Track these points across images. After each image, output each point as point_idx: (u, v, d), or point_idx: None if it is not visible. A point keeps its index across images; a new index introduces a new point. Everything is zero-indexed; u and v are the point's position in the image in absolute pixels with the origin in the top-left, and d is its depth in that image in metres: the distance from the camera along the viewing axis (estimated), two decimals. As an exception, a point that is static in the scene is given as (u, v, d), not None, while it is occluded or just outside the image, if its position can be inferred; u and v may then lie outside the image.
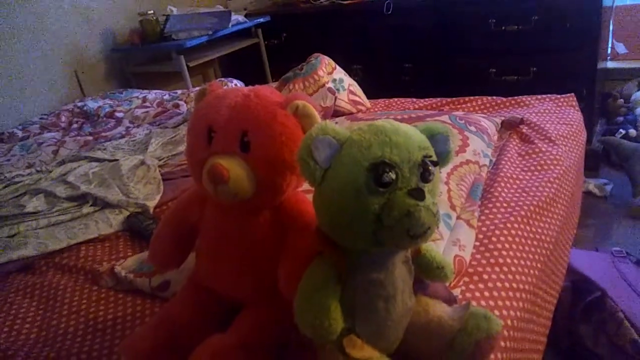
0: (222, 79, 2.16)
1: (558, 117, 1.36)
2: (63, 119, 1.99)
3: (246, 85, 0.68)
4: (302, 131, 0.63)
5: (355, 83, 1.63)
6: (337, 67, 1.61)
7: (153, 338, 0.67)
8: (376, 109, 1.59)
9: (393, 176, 0.52)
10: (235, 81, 2.10)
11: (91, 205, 1.20)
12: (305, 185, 0.61)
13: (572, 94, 1.49)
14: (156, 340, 0.67)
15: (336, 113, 1.51)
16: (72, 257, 1.04)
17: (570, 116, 1.37)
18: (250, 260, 0.69)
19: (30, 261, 1.04)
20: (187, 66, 2.38)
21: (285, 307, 0.59)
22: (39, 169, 1.47)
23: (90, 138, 1.74)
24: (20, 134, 1.87)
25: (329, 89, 1.51)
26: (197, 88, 2.17)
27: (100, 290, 0.92)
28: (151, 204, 1.17)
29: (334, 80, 1.54)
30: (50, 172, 1.42)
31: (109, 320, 0.83)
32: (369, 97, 1.64)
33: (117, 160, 1.41)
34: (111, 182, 1.28)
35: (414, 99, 1.62)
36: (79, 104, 2.09)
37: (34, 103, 2.19)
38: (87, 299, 0.90)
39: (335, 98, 1.51)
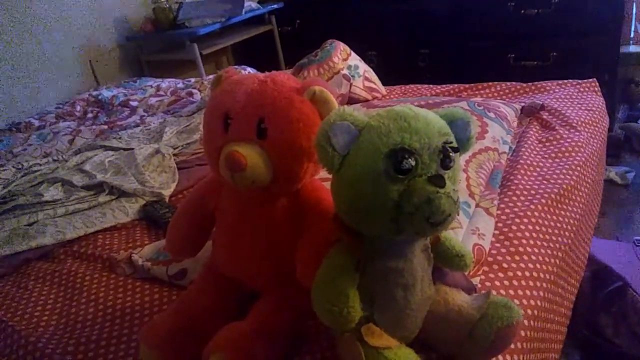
0: (236, 66, 2.15)
1: (579, 103, 1.33)
2: (78, 108, 2.00)
3: (260, 72, 0.67)
4: (320, 117, 0.62)
5: (370, 69, 1.61)
6: (352, 53, 1.59)
7: (171, 326, 0.67)
8: (392, 96, 1.57)
9: (413, 163, 0.51)
10: (248, 69, 2.08)
11: (107, 194, 1.21)
12: (323, 173, 0.60)
13: (594, 79, 1.45)
14: (174, 327, 0.67)
15: (351, 100, 1.50)
16: (90, 245, 1.05)
17: (591, 102, 1.34)
18: (268, 248, 0.68)
19: (48, 249, 1.05)
20: (201, 54, 2.37)
21: (303, 295, 0.59)
22: (55, 158, 1.48)
23: (106, 127, 1.74)
24: (37, 123, 1.89)
25: (344, 76, 1.49)
26: (211, 76, 2.16)
27: (118, 278, 0.92)
28: (167, 192, 1.18)
29: (349, 67, 1.52)
30: (67, 161, 1.43)
31: (127, 308, 0.84)
32: (384, 84, 1.62)
33: (132, 149, 1.42)
34: (127, 171, 1.29)
35: (431, 85, 1.59)
36: (94, 93, 2.10)
37: (50, 92, 2.21)
38: (105, 287, 0.90)
39: (351, 85, 1.49)
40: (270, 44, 2.87)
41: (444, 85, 1.57)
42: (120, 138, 1.55)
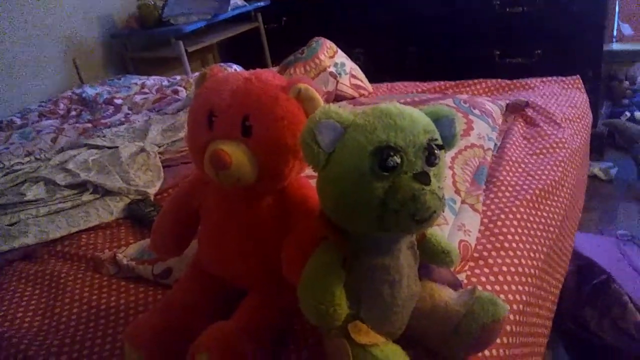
0: (222, 64, 2.13)
1: (564, 100, 1.34)
2: (61, 106, 1.97)
3: (246, 70, 0.67)
4: (305, 115, 0.61)
5: (357, 67, 1.61)
6: (339, 50, 1.58)
7: (157, 325, 0.66)
8: (379, 93, 1.58)
9: (398, 160, 0.51)
10: (234, 66, 2.07)
11: (91, 193, 1.20)
12: (309, 170, 0.60)
13: (578, 76, 1.47)
14: (160, 327, 0.66)
15: (338, 98, 1.50)
16: (74, 245, 1.04)
17: (575, 99, 1.35)
18: (253, 246, 0.68)
19: (31, 249, 1.04)
20: (186, 51, 2.35)
21: (289, 293, 0.59)
22: (38, 156, 1.46)
23: (89, 125, 1.72)
24: (19, 121, 1.86)
25: (331, 73, 1.49)
26: (197, 73, 2.15)
27: (103, 278, 0.91)
28: (152, 191, 1.17)
29: (336, 64, 1.52)
30: (50, 159, 1.41)
31: (112, 308, 0.83)
32: (371, 82, 1.62)
33: (116, 147, 1.40)
34: (111, 170, 1.27)
35: (417, 83, 1.60)
36: (77, 91, 2.07)
37: (32, 90, 2.17)
38: (90, 287, 0.89)
39: (337, 82, 1.49)
40: (256, 42, 2.86)
41: (430, 83, 1.57)
42: (104, 136, 1.53)
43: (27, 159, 1.45)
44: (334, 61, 1.53)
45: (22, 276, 0.97)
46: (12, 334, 0.80)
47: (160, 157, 1.34)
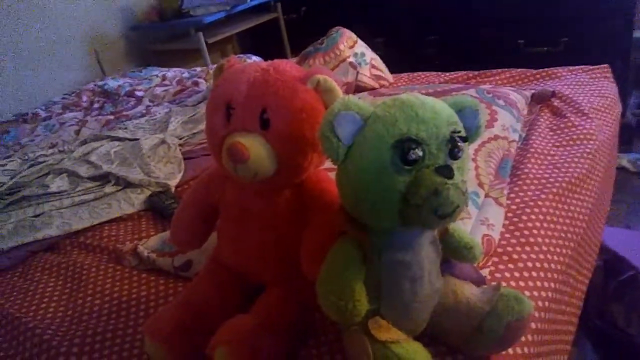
0: (241, 55, 2.13)
1: (591, 90, 1.30)
2: (84, 98, 2.00)
3: (265, 61, 0.66)
4: (324, 107, 0.60)
5: (377, 57, 1.58)
6: (359, 40, 1.56)
7: (176, 318, 0.66)
8: (399, 84, 1.55)
9: (420, 153, 0.50)
10: (253, 57, 2.06)
11: (113, 185, 1.21)
12: (328, 163, 0.58)
13: (606, 64, 1.42)
14: (179, 320, 0.66)
15: (358, 88, 1.48)
16: (96, 236, 1.05)
17: (604, 88, 1.31)
18: (272, 240, 0.67)
19: (54, 241, 1.05)
20: (206, 43, 2.36)
21: (309, 287, 0.58)
22: (61, 148, 1.48)
23: (112, 117, 1.74)
24: (43, 114, 1.89)
25: (351, 64, 1.47)
26: (216, 65, 2.15)
27: (124, 269, 0.92)
28: (172, 183, 1.17)
29: (356, 55, 1.50)
30: (73, 151, 1.43)
31: (132, 300, 0.84)
32: (391, 72, 1.59)
33: (137, 139, 1.41)
34: (132, 162, 1.28)
35: (439, 73, 1.57)
36: (100, 83, 2.09)
37: (56, 83, 2.21)
38: (111, 279, 0.90)
39: (357, 73, 1.47)
40: (275, 32, 2.85)
41: (453, 73, 1.54)
42: (126, 128, 1.55)
43: (51, 150, 1.47)
44: (354, 51, 1.50)
45: (45, 267, 0.98)
46: (36, 324, 0.81)
47: (180, 149, 1.34)
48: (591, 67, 1.42)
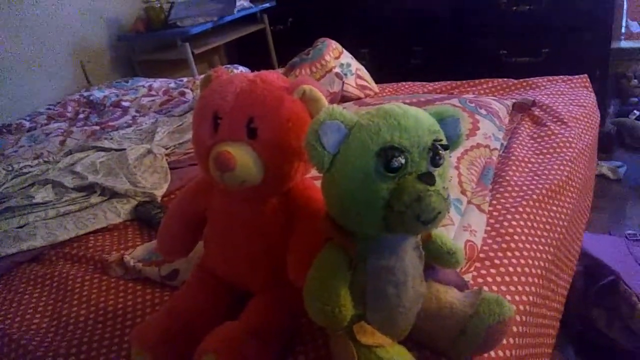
0: (228, 65, 2.14)
1: (571, 99, 1.33)
2: (69, 109, 1.99)
3: (252, 71, 0.67)
4: (310, 116, 0.61)
5: (362, 67, 1.61)
6: (345, 51, 1.58)
7: (163, 326, 0.67)
8: (384, 94, 1.57)
9: (402, 161, 0.51)
10: (240, 68, 2.08)
11: (99, 195, 1.20)
12: (314, 172, 0.60)
13: (585, 74, 1.46)
14: (166, 328, 0.66)
15: (344, 98, 1.50)
16: (82, 247, 1.04)
17: (583, 97, 1.34)
18: (259, 248, 0.68)
19: (39, 251, 1.05)
20: (193, 53, 2.36)
21: (295, 294, 0.59)
22: (46, 159, 1.47)
23: (97, 128, 1.73)
24: (27, 124, 1.87)
25: (337, 74, 1.49)
26: (203, 75, 2.15)
27: (110, 279, 0.92)
28: (159, 192, 1.17)
29: (342, 65, 1.52)
30: (58, 162, 1.42)
31: (119, 309, 0.83)
32: (377, 82, 1.62)
33: (124, 149, 1.41)
34: (118, 172, 1.28)
35: (423, 83, 1.60)
36: (85, 94, 2.08)
37: (41, 93, 2.19)
38: (97, 289, 0.90)
39: (343, 83, 1.49)
40: (262, 43, 2.87)
41: (436, 83, 1.57)
42: (112, 139, 1.54)
43: (36, 161, 1.46)
44: (340, 62, 1.53)
45: (30, 278, 0.98)
46: (21, 335, 0.80)
47: (167, 159, 1.34)
48: (570, 77, 1.45)
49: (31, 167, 1.43)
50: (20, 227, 1.13)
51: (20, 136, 1.76)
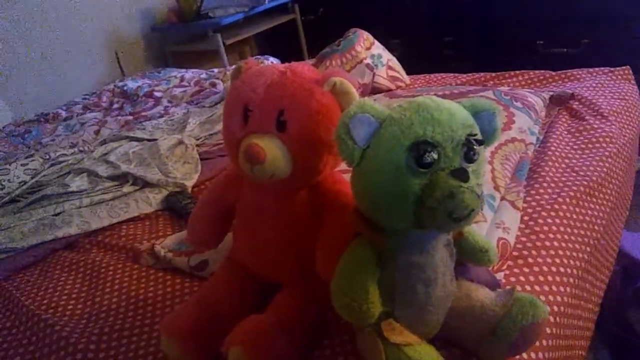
0: (258, 56, 2.14)
1: (612, 92, 1.28)
2: (104, 99, 2.03)
3: (282, 62, 0.66)
4: (340, 109, 0.60)
5: (394, 58, 1.58)
6: (376, 42, 1.56)
7: (192, 317, 0.67)
8: (416, 85, 1.55)
9: (435, 156, 0.50)
10: (271, 59, 2.08)
11: (131, 185, 1.23)
12: (343, 165, 0.59)
13: (627, 66, 1.40)
14: (195, 319, 0.67)
15: (374, 90, 1.48)
16: (114, 235, 1.07)
17: (625, 90, 1.29)
18: (287, 241, 0.68)
19: (74, 239, 1.08)
20: (224, 44, 2.38)
21: (324, 288, 0.58)
22: (81, 148, 1.51)
23: (131, 118, 1.76)
24: (64, 114, 1.92)
25: (367, 65, 1.47)
26: (234, 66, 2.16)
27: (141, 268, 0.93)
28: (189, 183, 1.18)
29: (372, 56, 1.50)
30: (93, 151, 1.45)
31: (149, 298, 0.85)
32: (408, 73, 1.59)
33: (155, 139, 1.43)
34: (150, 162, 1.30)
35: (456, 74, 1.56)
36: (119, 84, 2.12)
37: (77, 83, 2.25)
38: (129, 277, 0.91)
39: (374, 74, 1.47)
40: (293, 34, 2.86)
41: (470, 74, 1.53)
42: (144, 129, 1.57)
43: (72, 150, 1.50)
44: (371, 53, 1.51)
45: (65, 265, 1.00)
46: (56, 321, 0.83)
47: (197, 150, 1.36)
48: (611, 69, 1.39)
49: (67, 155, 1.46)
50: (56, 215, 1.16)
51: (56, 125, 1.81)
